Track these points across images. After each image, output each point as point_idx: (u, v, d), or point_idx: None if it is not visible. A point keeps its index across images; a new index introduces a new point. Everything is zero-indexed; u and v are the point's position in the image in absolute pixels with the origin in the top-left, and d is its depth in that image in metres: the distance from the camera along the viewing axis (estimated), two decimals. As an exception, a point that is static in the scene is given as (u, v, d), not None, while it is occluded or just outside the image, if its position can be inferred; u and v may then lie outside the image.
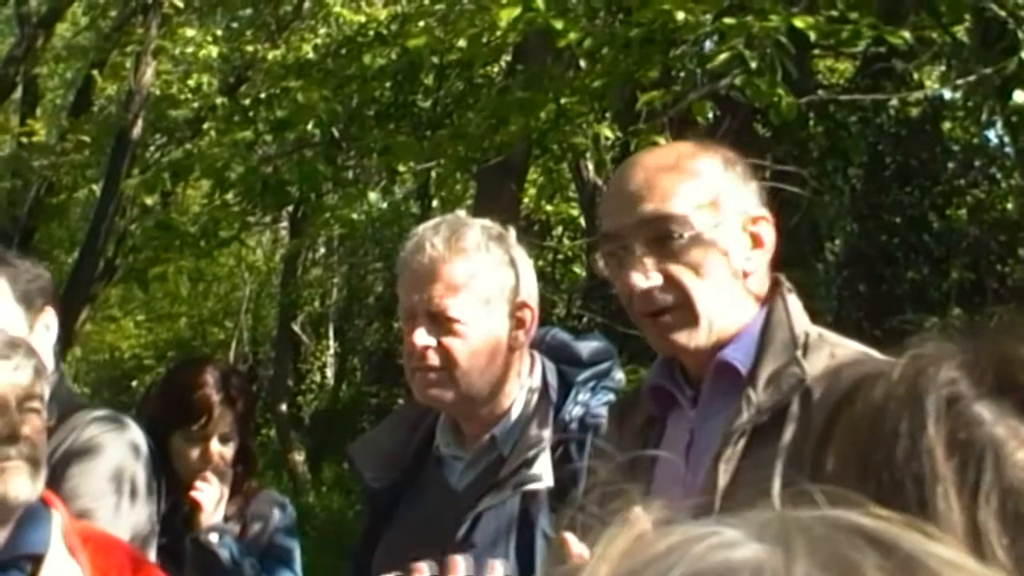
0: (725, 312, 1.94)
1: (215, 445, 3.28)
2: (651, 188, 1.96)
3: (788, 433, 1.82)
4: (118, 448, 2.81)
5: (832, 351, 1.89)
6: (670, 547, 0.63)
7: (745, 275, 1.96)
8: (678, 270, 1.93)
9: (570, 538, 1.56)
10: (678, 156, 2.02)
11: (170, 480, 3.27)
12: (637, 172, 2.01)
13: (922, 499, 1.08)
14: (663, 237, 1.93)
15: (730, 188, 1.97)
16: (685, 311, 1.93)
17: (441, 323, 2.36)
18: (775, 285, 2.01)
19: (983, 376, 1.14)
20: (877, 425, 1.14)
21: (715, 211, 1.94)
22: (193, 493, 3.22)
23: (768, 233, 1.99)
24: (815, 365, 1.87)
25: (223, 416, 3.29)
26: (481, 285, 2.38)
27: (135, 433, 2.90)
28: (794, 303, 1.98)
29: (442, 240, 2.38)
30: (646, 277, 1.93)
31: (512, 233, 2.52)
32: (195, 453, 3.28)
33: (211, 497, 3.23)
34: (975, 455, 1.10)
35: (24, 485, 2.26)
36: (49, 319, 2.82)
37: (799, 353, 1.89)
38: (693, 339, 1.94)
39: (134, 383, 23.84)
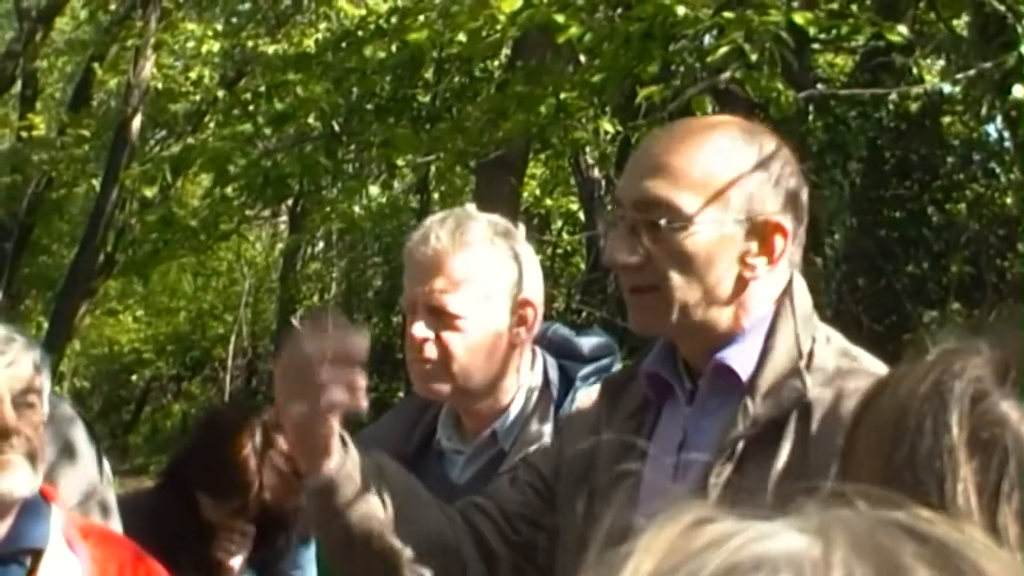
0: (706, 310, 1.85)
1: (246, 522, 3.08)
2: (664, 165, 1.86)
3: (784, 450, 1.75)
4: None
5: (838, 363, 1.82)
6: (710, 541, 0.65)
7: (744, 279, 1.87)
8: (662, 256, 1.84)
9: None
10: (711, 136, 1.90)
11: (197, 524, 3.09)
12: (662, 142, 1.92)
13: (943, 499, 1.08)
14: (654, 219, 1.84)
15: (749, 184, 1.85)
16: (660, 296, 1.86)
17: (440, 317, 2.36)
18: (788, 284, 1.90)
19: (1010, 374, 1.13)
20: (901, 422, 1.13)
21: (723, 206, 1.83)
22: (220, 555, 3.07)
23: (779, 240, 1.86)
24: (818, 377, 1.80)
25: (260, 499, 3.02)
26: (483, 280, 2.37)
27: None
28: (802, 305, 1.89)
29: (447, 233, 2.38)
30: (629, 253, 1.86)
31: (521, 230, 2.51)
32: (221, 516, 3.07)
33: (238, 557, 3.09)
34: (997, 455, 1.09)
35: (21, 480, 2.26)
36: None
37: (802, 364, 1.81)
38: (663, 326, 1.89)
39: (133, 377, 23.85)
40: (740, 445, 1.78)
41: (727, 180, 1.84)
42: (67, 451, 2.86)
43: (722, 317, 1.87)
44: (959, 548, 0.63)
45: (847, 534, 0.63)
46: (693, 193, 1.83)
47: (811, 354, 1.83)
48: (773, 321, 1.87)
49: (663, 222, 1.83)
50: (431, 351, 2.37)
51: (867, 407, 1.22)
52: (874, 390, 1.24)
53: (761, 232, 1.86)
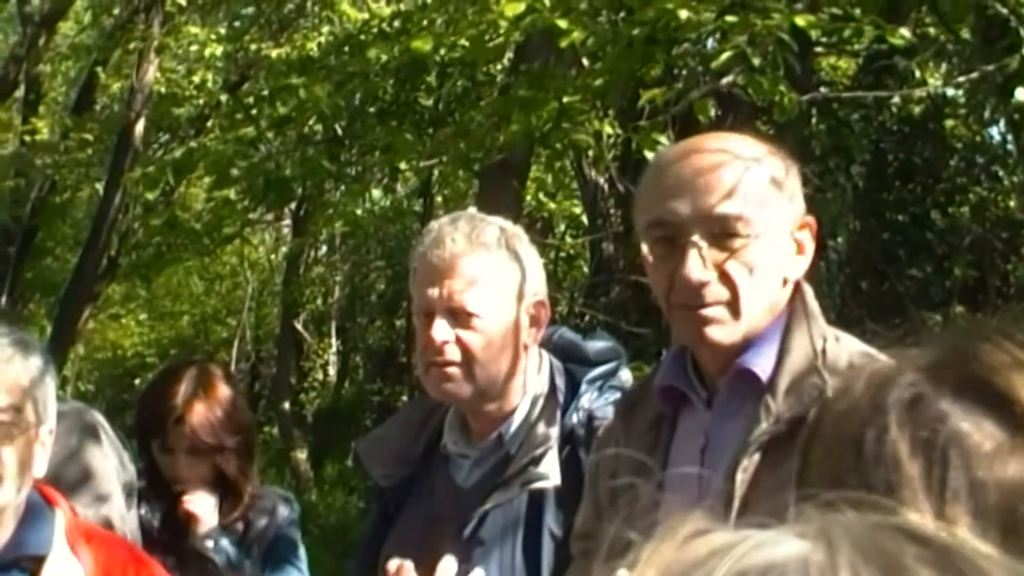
0: (761, 315, 1.94)
1: (185, 458, 3.16)
2: (718, 181, 1.92)
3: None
4: None
5: (850, 358, 1.87)
6: (712, 550, 0.65)
7: (785, 281, 1.96)
8: (734, 268, 1.91)
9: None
10: (746, 151, 1.98)
11: (161, 487, 3.19)
12: (701, 160, 1.97)
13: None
14: (725, 234, 1.90)
15: (788, 191, 1.96)
16: (729, 308, 1.92)
17: (460, 318, 2.37)
18: (795, 288, 1.99)
19: (946, 376, 1.14)
20: (843, 434, 1.14)
21: (774, 213, 1.93)
22: (185, 505, 3.13)
23: (809, 241, 1.98)
24: (834, 373, 1.85)
25: (187, 429, 3.13)
26: (499, 280, 2.39)
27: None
28: (812, 307, 1.97)
29: (462, 235, 2.39)
30: (704, 270, 1.90)
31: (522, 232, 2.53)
32: (168, 463, 3.17)
33: (203, 505, 3.15)
34: (939, 453, 1.09)
35: None
36: None
37: (819, 362, 1.87)
38: (730, 336, 1.93)
39: (137, 381, 23.87)
40: (764, 441, 1.83)
41: (773, 187, 1.94)
42: (83, 448, 2.87)
43: (765, 321, 1.95)
44: (959, 550, 0.64)
45: (849, 538, 0.64)
46: (753, 203, 1.91)
47: (824, 352, 1.89)
48: (788, 322, 1.94)
49: (738, 230, 1.90)
50: (453, 353, 2.37)
51: (816, 428, 1.23)
52: (820, 410, 1.24)
53: (797, 232, 1.97)
